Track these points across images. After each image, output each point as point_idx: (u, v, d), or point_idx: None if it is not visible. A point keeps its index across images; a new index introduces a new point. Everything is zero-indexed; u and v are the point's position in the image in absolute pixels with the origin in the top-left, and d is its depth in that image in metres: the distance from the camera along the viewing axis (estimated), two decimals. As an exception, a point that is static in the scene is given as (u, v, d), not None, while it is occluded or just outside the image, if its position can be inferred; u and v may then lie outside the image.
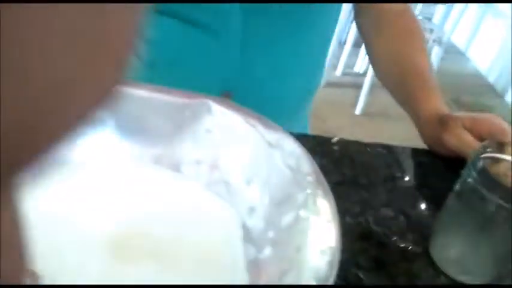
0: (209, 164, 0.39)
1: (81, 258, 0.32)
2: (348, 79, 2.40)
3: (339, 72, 2.40)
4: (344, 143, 0.48)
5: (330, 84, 2.26)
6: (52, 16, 0.09)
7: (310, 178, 0.33)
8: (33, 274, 0.30)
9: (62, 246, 0.32)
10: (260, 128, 0.37)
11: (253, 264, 0.34)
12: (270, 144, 0.37)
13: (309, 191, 0.33)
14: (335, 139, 0.49)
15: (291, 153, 0.35)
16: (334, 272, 0.27)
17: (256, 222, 0.36)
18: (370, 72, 2.09)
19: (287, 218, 0.34)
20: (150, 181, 0.39)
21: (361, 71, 2.40)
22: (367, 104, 2.17)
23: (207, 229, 0.36)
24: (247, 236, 0.36)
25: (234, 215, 0.37)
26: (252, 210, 0.37)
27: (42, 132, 0.11)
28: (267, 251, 0.34)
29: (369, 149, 0.49)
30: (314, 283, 0.26)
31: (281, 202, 0.35)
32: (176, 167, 0.40)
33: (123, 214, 0.36)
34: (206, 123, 0.39)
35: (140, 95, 0.39)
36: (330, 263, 0.27)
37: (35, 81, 0.10)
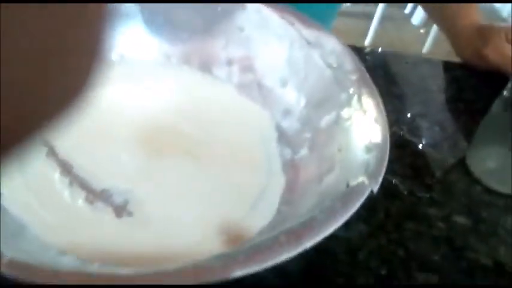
0: (241, 64, 0.37)
1: (114, 151, 0.31)
2: (358, 8, 2.31)
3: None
4: (377, 54, 0.46)
5: (340, 14, 2.19)
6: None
7: (353, 77, 0.31)
8: (65, 164, 0.29)
9: (93, 140, 0.31)
10: (298, 25, 0.35)
11: (290, 165, 0.32)
12: (308, 42, 0.34)
13: (352, 90, 0.31)
14: (368, 49, 0.46)
15: (332, 51, 0.33)
16: (384, 168, 0.26)
17: (291, 124, 0.34)
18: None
19: (327, 118, 0.32)
20: (180, 81, 0.37)
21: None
22: (376, 35, 2.11)
23: (240, 129, 0.35)
24: (282, 137, 0.34)
25: (268, 117, 0.36)
26: (286, 111, 0.35)
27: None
28: (304, 152, 0.32)
29: (402, 61, 0.47)
30: (363, 180, 0.25)
31: (320, 102, 0.33)
32: (206, 67, 0.38)
33: (154, 112, 0.34)
34: (239, 20, 0.37)
35: (169, -14, 0.36)
36: (379, 159, 0.26)
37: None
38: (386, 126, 0.28)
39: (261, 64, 0.37)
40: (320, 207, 0.24)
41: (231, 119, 0.35)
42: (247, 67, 0.37)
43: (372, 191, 0.24)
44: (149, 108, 0.34)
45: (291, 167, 0.32)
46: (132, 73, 0.36)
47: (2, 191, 0.26)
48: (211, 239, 0.28)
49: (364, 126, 0.29)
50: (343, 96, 0.31)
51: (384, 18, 2.05)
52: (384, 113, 0.29)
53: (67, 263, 0.25)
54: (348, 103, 0.31)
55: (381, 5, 2.02)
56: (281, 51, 0.36)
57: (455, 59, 0.52)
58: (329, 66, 0.33)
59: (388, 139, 0.27)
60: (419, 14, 2.25)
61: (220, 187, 0.31)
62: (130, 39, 0.36)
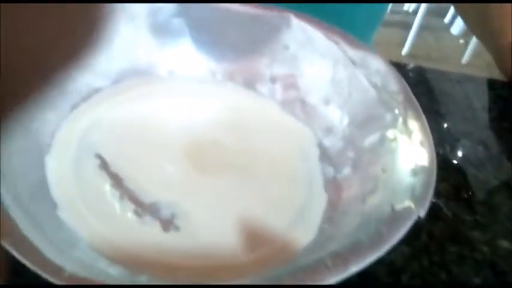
0: (285, 82, 0.38)
1: (161, 165, 0.32)
2: (396, 18, 2.29)
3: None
4: (420, 70, 0.46)
5: (378, 23, 2.16)
6: None
7: (398, 97, 0.32)
8: (116, 176, 0.30)
9: (141, 153, 0.32)
10: (343, 44, 0.35)
11: (332, 184, 0.33)
12: (353, 62, 0.35)
13: (397, 111, 0.31)
14: (411, 65, 0.46)
15: (377, 72, 0.33)
16: (431, 193, 0.26)
17: (333, 142, 0.35)
18: (421, 11, 1.98)
19: (371, 139, 0.32)
20: (224, 97, 0.38)
21: (411, 10, 2.29)
22: (414, 45, 2.08)
23: (282, 146, 0.35)
24: (324, 155, 0.35)
25: (310, 134, 0.36)
26: (329, 130, 0.35)
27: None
28: (347, 171, 0.33)
29: (445, 78, 0.47)
30: (409, 204, 0.25)
31: (364, 122, 0.33)
32: (250, 84, 0.38)
33: (199, 126, 0.35)
34: (284, 38, 0.37)
35: (217, 6, 0.37)
36: (426, 183, 0.26)
37: None
38: (433, 150, 0.28)
39: (305, 82, 0.37)
40: (365, 231, 0.24)
41: (274, 135, 0.36)
42: (291, 85, 0.38)
43: (418, 217, 0.24)
44: (194, 123, 0.35)
45: (333, 186, 0.32)
46: (179, 89, 0.37)
47: (58, 203, 0.28)
48: (254, 253, 0.28)
49: (410, 149, 0.29)
50: (388, 117, 0.31)
51: (422, 28, 2.03)
52: (430, 136, 0.29)
53: (116, 273, 0.26)
54: (393, 124, 0.31)
55: (419, 15, 1.99)
56: (325, 70, 0.36)
57: (496, 70, 0.51)
58: (374, 86, 0.33)
59: (435, 163, 0.27)
60: (458, 24, 2.20)
61: (262, 202, 0.31)
62: (178, 56, 0.38)
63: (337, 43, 0.35)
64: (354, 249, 0.22)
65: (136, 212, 0.29)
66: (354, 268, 0.22)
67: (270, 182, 0.32)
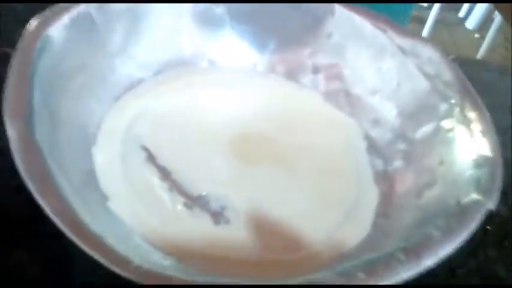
0: (328, 72, 0.37)
1: (207, 157, 0.31)
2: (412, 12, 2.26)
3: (402, 4, 2.25)
4: (461, 62, 0.44)
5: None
6: None
7: (454, 86, 0.30)
8: (164, 169, 0.30)
9: (186, 145, 0.31)
10: (391, 33, 0.34)
11: (383, 177, 0.32)
12: (403, 51, 0.33)
13: (453, 100, 0.30)
14: (451, 56, 0.45)
15: (429, 60, 0.32)
16: (499, 183, 0.25)
17: (382, 134, 0.34)
18: (436, 5, 1.96)
19: (424, 130, 0.31)
20: (266, 88, 0.37)
21: (426, 4, 2.26)
22: (429, 40, 2.05)
23: (327, 138, 0.34)
24: (372, 147, 0.33)
25: (355, 125, 0.35)
26: (376, 121, 0.34)
27: None
28: (398, 163, 0.32)
29: (484, 68, 0.45)
30: (477, 196, 0.24)
31: (415, 113, 0.32)
32: (292, 75, 0.37)
33: (242, 118, 0.34)
34: (327, 27, 0.36)
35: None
36: (492, 175, 0.25)
37: None
38: (496, 140, 0.27)
39: (350, 72, 0.36)
40: (433, 225, 0.23)
41: (318, 126, 0.35)
42: (335, 75, 0.37)
43: (490, 210, 0.23)
44: (237, 114, 0.34)
45: (384, 179, 0.31)
46: (221, 80, 0.36)
47: (109, 195, 0.27)
48: (305, 250, 0.28)
49: (469, 139, 0.28)
50: (443, 107, 0.30)
51: (437, 22, 2.00)
52: (491, 126, 0.28)
53: (171, 266, 0.25)
54: (449, 114, 0.30)
55: (434, 9, 1.97)
56: (371, 59, 0.35)
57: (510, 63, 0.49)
58: (426, 75, 0.32)
59: (499, 153, 0.26)
60: (473, 18, 2.17)
61: (312, 196, 0.30)
62: (219, 46, 0.37)
63: (384, 31, 0.34)
64: (425, 244, 0.21)
65: (186, 205, 0.28)
66: (428, 262, 0.21)
67: (318, 176, 0.31)
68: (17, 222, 0.26)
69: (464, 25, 2.24)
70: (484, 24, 2.08)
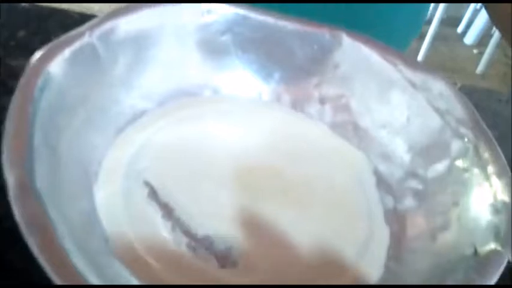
0: (335, 103, 0.36)
1: (212, 192, 0.30)
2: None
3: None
4: (467, 90, 0.44)
5: (391, 32, 2.14)
6: None
7: (467, 124, 0.30)
8: (166, 206, 0.29)
9: (191, 179, 0.30)
10: (401, 66, 0.33)
11: (393, 216, 0.31)
12: (412, 85, 0.33)
13: (466, 139, 0.29)
14: (458, 85, 0.44)
15: (440, 95, 0.31)
16: (517, 233, 0.24)
17: (391, 170, 0.33)
18: (435, 21, 1.97)
19: (436, 168, 0.30)
20: (272, 118, 0.36)
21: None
22: (428, 55, 2.06)
23: (336, 170, 0.33)
24: (382, 183, 0.33)
25: (364, 159, 0.34)
26: (385, 156, 0.33)
27: None
28: (409, 202, 0.31)
29: (494, 98, 0.45)
30: (495, 246, 0.23)
31: (426, 150, 0.31)
32: (298, 105, 0.36)
33: (248, 150, 0.33)
34: (335, 58, 0.35)
35: (265, 23, 0.35)
36: (511, 222, 0.24)
37: None
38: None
39: (357, 104, 0.35)
40: (453, 279, 0.22)
41: (325, 159, 0.34)
42: (342, 106, 0.36)
43: (508, 261, 0.22)
44: (243, 146, 0.33)
45: (394, 218, 0.30)
46: (225, 110, 0.35)
47: (110, 237, 0.26)
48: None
49: (485, 182, 0.27)
50: (456, 145, 0.29)
51: (436, 37, 2.01)
52: (508, 168, 0.27)
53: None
54: (463, 154, 0.29)
55: (433, 24, 1.97)
56: (380, 91, 0.34)
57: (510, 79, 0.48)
58: (437, 111, 0.31)
59: (517, 200, 0.25)
60: (472, 34, 2.18)
61: (323, 234, 0.29)
62: (224, 76, 0.36)
63: (394, 64, 0.33)
64: (445, 300, 0.20)
65: (189, 246, 0.27)
66: (448, 322, 0.20)
67: (329, 213, 0.30)
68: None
69: (463, 40, 2.25)
70: (483, 39, 2.09)
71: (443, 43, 2.23)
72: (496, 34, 1.87)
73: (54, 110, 0.26)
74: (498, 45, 1.93)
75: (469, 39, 2.21)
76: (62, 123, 0.26)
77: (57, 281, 0.18)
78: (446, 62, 2.11)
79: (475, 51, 2.17)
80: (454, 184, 0.29)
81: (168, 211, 0.28)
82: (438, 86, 0.32)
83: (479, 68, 2.05)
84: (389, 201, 0.31)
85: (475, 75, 2.05)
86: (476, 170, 0.28)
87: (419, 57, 2.04)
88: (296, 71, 0.37)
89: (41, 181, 0.22)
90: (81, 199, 0.26)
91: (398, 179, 0.32)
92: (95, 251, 0.24)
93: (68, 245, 0.20)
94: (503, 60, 2.19)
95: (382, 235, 0.29)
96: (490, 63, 2.02)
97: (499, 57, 2.19)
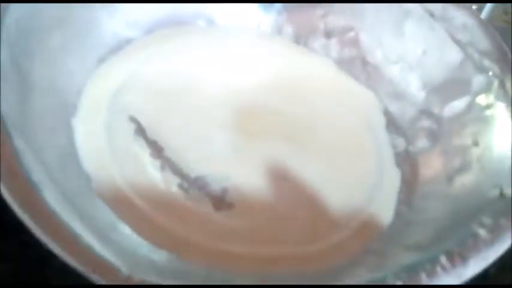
0: (342, 37, 0.32)
1: (205, 132, 0.27)
2: None
3: None
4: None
5: None
6: None
7: (492, 56, 0.26)
8: (155, 144, 0.26)
9: (181, 118, 0.27)
10: (418, -7, 0.30)
11: (404, 158, 0.28)
12: (430, 14, 0.29)
13: (491, 72, 0.26)
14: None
15: (463, 26, 0.28)
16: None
17: (403, 109, 0.30)
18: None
19: (454, 105, 0.27)
20: (272, 53, 0.32)
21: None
22: (487, 20, 2.00)
23: (341, 111, 0.30)
24: (392, 124, 0.30)
25: (373, 98, 0.31)
26: (397, 94, 0.30)
27: None
28: (422, 143, 0.28)
29: None
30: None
31: (443, 86, 0.28)
32: (301, 38, 0.33)
33: (245, 87, 0.30)
34: (344, -15, 0.32)
35: None
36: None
37: None
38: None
39: (367, 37, 0.32)
40: (478, 223, 0.19)
41: (331, 98, 0.31)
42: (350, 40, 0.32)
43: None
44: (240, 82, 0.30)
45: (406, 161, 0.28)
46: (221, 42, 0.32)
47: (92, 175, 0.23)
48: (321, 241, 0.24)
49: (508, 119, 0.24)
50: (479, 80, 0.26)
51: None
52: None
53: (163, 261, 0.21)
54: (486, 89, 0.26)
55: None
56: (394, 22, 0.31)
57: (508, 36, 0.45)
58: (458, 43, 0.28)
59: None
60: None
61: (327, 177, 0.27)
62: (219, 4, 0.32)
63: (410, -9, 0.30)
64: (472, 246, 0.18)
65: (181, 187, 0.24)
66: (476, 268, 0.17)
67: (333, 155, 0.28)
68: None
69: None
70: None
71: (442, -4, 2.17)
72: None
73: (24, 29, 0.22)
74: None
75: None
76: (34, 46, 0.23)
77: (23, 216, 0.15)
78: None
79: (474, 6, 2.11)
80: (474, 122, 0.26)
81: (156, 149, 0.25)
82: (460, 15, 0.28)
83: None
84: (401, 144, 0.29)
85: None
86: (500, 106, 0.25)
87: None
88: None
89: (7, 107, 0.19)
90: (57, 133, 0.23)
91: (410, 119, 0.29)
92: (73, 190, 0.21)
93: (40, 180, 0.17)
94: (503, 17, 2.15)
95: (393, 179, 0.27)
96: (489, 20, 1.97)
97: (499, 14, 2.15)
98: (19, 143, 0.18)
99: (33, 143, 0.20)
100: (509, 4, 0.42)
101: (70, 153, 0.23)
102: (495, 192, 0.21)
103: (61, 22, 0.25)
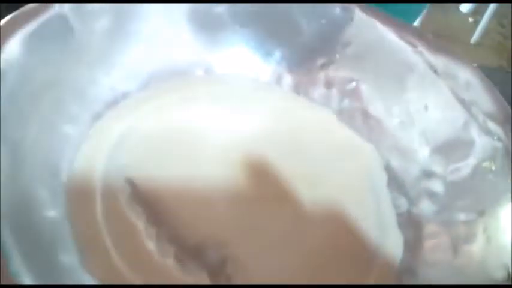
0: (344, 87, 0.32)
1: (203, 190, 0.26)
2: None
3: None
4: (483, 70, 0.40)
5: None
6: None
7: (497, 120, 0.26)
8: (151, 208, 0.25)
9: (180, 176, 0.26)
10: (421, 48, 0.29)
11: (407, 220, 0.27)
12: (434, 70, 0.29)
13: (496, 137, 0.25)
14: (475, 65, 0.40)
15: (467, 85, 0.27)
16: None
17: (405, 166, 0.29)
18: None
19: (459, 168, 0.27)
20: (271, 103, 0.32)
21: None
22: (423, 22, 2.00)
23: (342, 166, 0.29)
24: (394, 182, 0.29)
25: (374, 152, 0.30)
26: (398, 150, 0.30)
27: None
28: (425, 206, 0.27)
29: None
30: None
31: (447, 146, 0.28)
32: (301, 88, 0.32)
33: (244, 141, 0.29)
34: (345, 35, 0.31)
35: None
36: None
37: None
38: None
39: (368, 89, 0.31)
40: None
41: (331, 152, 0.30)
42: (351, 91, 0.32)
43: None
44: (238, 136, 0.29)
45: (408, 223, 0.27)
46: (219, 93, 0.31)
47: (82, 248, 0.22)
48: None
49: (517, 189, 0.24)
50: (483, 142, 0.26)
51: (431, 5, 1.94)
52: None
53: None
54: (490, 153, 0.25)
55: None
56: (396, 76, 0.30)
57: (505, 52, 0.45)
58: (462, 102, 0.27)
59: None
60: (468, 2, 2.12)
61: (327, 242, 0.26)
62: (218, 53, 0.31)
63: (413, 45, 0.29)
64: None
65: (177, 257, 0.24)
66: None
67: (333, 215, 0.27)
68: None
69: (458, 8, 2.19)
70: (479, 8, 2.04)
71: (439, 11, 2.16)
72: (492, 4, 1.82)
73: (14, 99, 0.21)
74: (494, 15, 1.88)
75: (465, 7, 2.15)
76: (24, 113, 0.22)
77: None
78: (441, 30, 2.06)
79: (470, 19, 2.12)
80: (480, 189, 0.25)
81: (153, 215, 0.25)
82: (464, 73, 0.28)
83: (474, 37, 2.00)
84: (403, 204, 0.28)
85: (469, 44, 2.01)
86: (507, 174, 0.24)
87: (415, 24, 1.98)
88: (300, 49, 0.32)
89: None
90: (48, 207, 0.22)
91: (413, 178, 0.28)
92: (62, 267, 0.20)
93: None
94: (499, 29, 2.15)
95: (395, 244, 0.26)
96: (485, 33, 1.97)
97: (495, 27, 2.15)
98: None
99: (20, 225, 0.19)
100: (505, 17, 0.41)
101: (60, 228, 0.22)
102: (502, 273, 0.21)
103: (53, 83, 0.24)
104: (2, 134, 0.20)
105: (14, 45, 0.21)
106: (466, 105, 0.27)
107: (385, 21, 0.30)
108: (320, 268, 0.25)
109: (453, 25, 2.13)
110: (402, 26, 0.30)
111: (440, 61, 0.28)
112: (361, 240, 0.26)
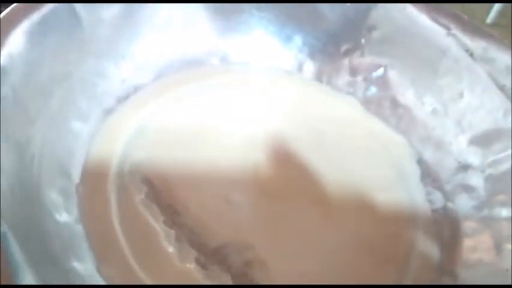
0: (370, 75, 0.30)
1: (224, 188, 0.24)
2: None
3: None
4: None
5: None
6: None
7: (542, 108, 0.24)
8: (169, 209, 0.23)
9: (199, 175, 0.25)
10: (456, 30, 0.27)
11: (442, 216, 0.25)
12: (470, 54, 0.26)
13: (542, 126, 0.23)
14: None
15: (507, 69, 0.25)
16: None
17: (439, 159, 0.27)
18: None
19: (499, 160, 0.25)
20: (292, 93, 0.30)
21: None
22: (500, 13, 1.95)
23: (371, 161, 0.27)
24: (427, 175, 0.27)
25: (405, 145, 0.28)
26: (433, 142, 0.28)
27: None
28: (463, 201, 0.25)
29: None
30: None
31: (485, 137, 0.26)
32: (324, 77, 0.30)
33: (263, 134, 0.27)
34: (372, 18, 0.29)
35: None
36: None
37: None
38: None
39: (397, 76, 0.29)
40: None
41: (359, 145, 0.28)
42: (378, 79, 0.30)
43: None
44: (259, 130, 0.27)
45: (444, 220, 0.25)
46: (234, 83, 0.29)
47: (97, 252, 0.20)
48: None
49: None
50: (528, 133, 0.24)
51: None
52: None
53: None
54: (536, 145, 0.23)
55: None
56: (428, 61, 0.28)
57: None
58: (502, 89, 0.25)
59: None
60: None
61: (356, 242, 0.24)
62: (235, 40, 0.30)
63: (447, 27, 0.27)
64: None
65: (198, 261, 0.22)
66: None
67: (364, 217, 0.25)
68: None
69: (474, -12, 2.13)
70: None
71: None
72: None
73: (19, 97, 0.20)
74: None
75: (482, -14, 2.10)
76: (31, 112, 0.21)
77: None
78: (456, 10, 2.02)
79: (486, -1, 2.07)
80: (525, 183, 0.23)
81: (171, 216, 0.23)
82: (504, 57, 0.26)
83: (490, 17, 1.95)
84: (438, 199, 0.26)
85: (485, 24, 1.96)
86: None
87: (490, 16, 1.93)
88: (322, 34, 0.30)
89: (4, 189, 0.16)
90: (60, 211, 0.20)
91: (448, 171, 0.26)
92: (76, 274, 0.19)
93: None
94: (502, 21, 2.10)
95: (430, 244, 0.24)
96: (501, 13, 1.93)
97: (509, 7, 2.10)
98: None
99: (28, 228, 0.17)
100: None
101: (73, 232, 0.21)
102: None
103: (61, 78, 0.23)
104: (6, 136, 0.18)
105: (17, 37, 0.20)
106: (506, 91, 0.25)
107: (414, 1, 0.28)
108: (351, 270, 0.23)
109: (469, 5, 2.09)
110: (434, 7, 0.28)
111: (476, 44, 0.26)
112: (394, 240, 0.24)
